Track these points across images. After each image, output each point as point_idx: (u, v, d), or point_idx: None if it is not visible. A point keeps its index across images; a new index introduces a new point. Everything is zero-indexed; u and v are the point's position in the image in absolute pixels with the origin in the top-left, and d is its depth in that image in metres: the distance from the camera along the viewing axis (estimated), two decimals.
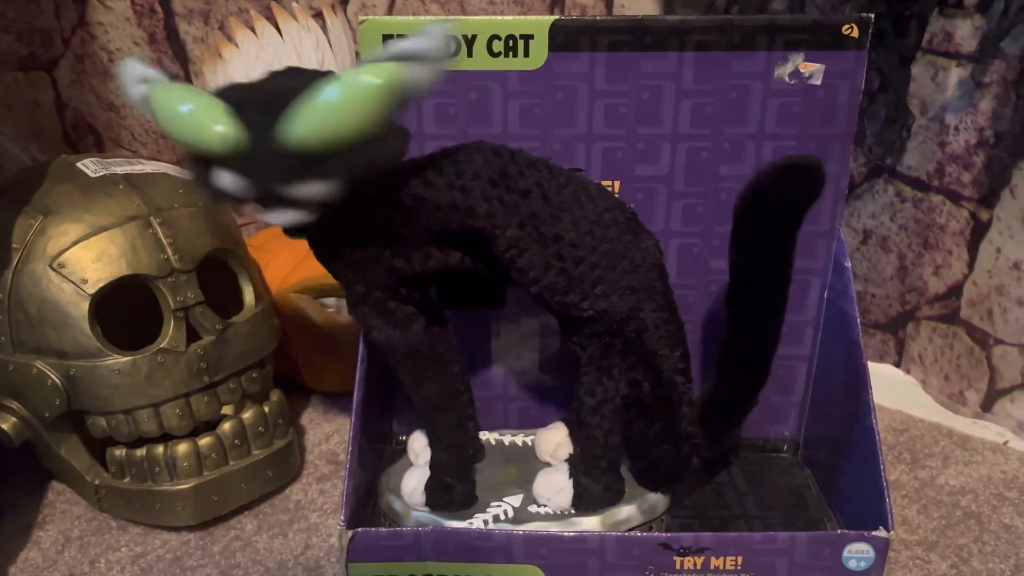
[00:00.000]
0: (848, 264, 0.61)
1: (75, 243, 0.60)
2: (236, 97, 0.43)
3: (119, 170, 0.65)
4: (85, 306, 0.60)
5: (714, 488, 0.66)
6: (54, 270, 0.60)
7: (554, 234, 0.50)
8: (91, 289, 0.60)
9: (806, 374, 0.67)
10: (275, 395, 0.69)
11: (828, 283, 0.63)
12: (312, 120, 0.42)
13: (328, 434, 0.77)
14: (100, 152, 0.90)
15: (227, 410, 0.66)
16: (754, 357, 0.55)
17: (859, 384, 0.58)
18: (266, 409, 0.67)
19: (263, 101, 0.43)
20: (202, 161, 0.44)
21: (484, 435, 0.65)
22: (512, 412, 0.69)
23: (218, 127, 0.42)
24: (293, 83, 0.44)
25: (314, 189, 0.43)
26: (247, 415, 0.65)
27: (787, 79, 0.58)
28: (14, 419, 0.63)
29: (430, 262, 0.51)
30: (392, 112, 0.43)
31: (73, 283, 0.60)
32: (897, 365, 0.85)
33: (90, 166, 0.65)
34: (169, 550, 0.62)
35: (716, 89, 0.59)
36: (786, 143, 0.60)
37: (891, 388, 0.82)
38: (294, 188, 0.43)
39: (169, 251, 0.62)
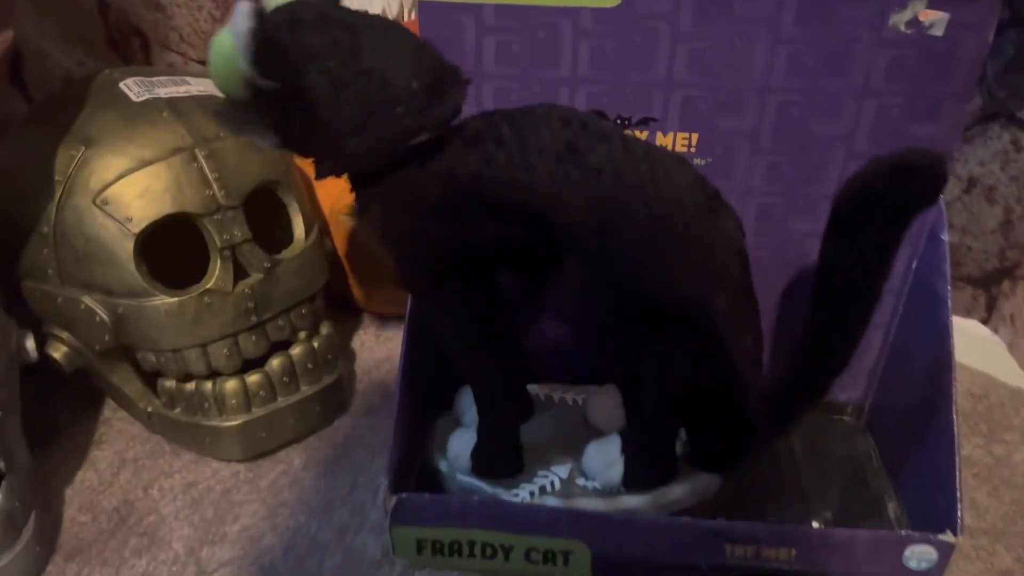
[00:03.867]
0: (945, 237, 0.55)
1: (118, 178, 0.58)
2: None
3: (163, 92, 0.62)
4: (130, 245, 0.58)
5: (770, 454, 0.63)
6: (98, 207, 0.58)
7: (624, 217, 0.45)
8: (136, 228, 0.58)
9: (881, 342, 0.63)
10: (325, 328, 0.68)
11: (919, 252, 0.58)
12: None
13: (379, 361, 0.76)
14: (146, 54, 0.85)
15: None
16: (835, 352, 0.51)
17: (941, 371, 0.53)
18: (315, 344, 0.65)
19: None
20: None
21: (532, 388, 0.63)
22: (562, 364, 0.66)
23: None
24: None
25: None
26: (296, 351, 0.64)
27: (903, 28, 0.50)
28: (65, 348, 0.63)
29: (485, 237, 0.47)
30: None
31: (118, 221, 0.58)
32: (985, 323, 0.79)
33: (133, 88, 0.61)
34: (219, 481, 0.63)
35: (818, 37, 0.51)
36: (891, 100, 0.53)
37: (974, 347, 0.77)
38: None
39: (215, 186, 0.59)
